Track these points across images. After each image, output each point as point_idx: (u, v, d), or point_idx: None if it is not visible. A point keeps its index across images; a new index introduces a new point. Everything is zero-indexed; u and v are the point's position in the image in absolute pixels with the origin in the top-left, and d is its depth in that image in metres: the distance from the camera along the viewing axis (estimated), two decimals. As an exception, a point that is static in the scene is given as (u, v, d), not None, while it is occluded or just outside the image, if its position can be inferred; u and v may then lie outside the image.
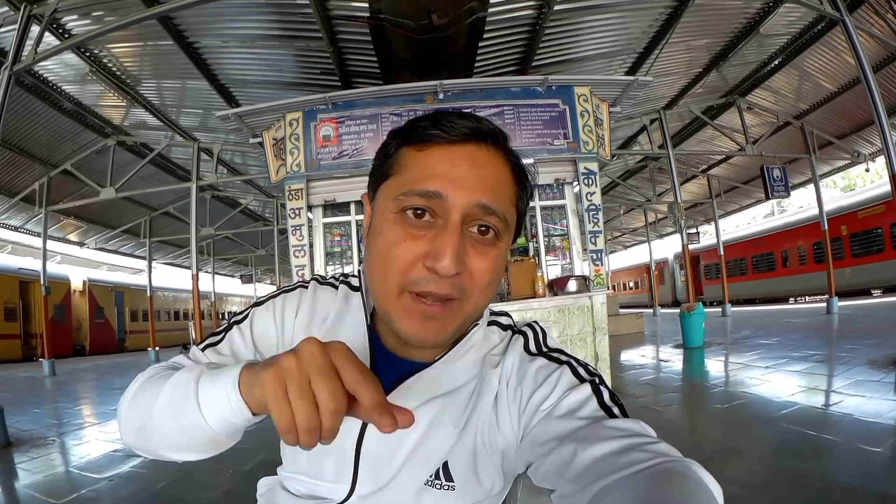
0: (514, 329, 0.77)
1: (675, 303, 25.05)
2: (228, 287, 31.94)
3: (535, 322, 0.77)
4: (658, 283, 26.16)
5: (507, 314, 0.80)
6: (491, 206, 0.61)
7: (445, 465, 0.67)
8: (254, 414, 0.53)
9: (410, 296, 0.62)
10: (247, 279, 24.97)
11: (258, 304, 0.80)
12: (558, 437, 0.56)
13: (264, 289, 31.08)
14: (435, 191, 0.60)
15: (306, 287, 0.81)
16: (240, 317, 0.79)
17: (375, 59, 7.19)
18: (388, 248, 0.62)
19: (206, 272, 20.78)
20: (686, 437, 3.49)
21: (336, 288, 0.81)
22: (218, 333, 0.78)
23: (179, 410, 0.57)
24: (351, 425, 0.69)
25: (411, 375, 0.70)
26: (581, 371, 0.65)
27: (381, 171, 0.69)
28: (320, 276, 0.84)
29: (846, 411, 3.54)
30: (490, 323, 0.77)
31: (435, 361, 0.71)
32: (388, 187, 0.66)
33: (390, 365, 0.72)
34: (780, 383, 4.68)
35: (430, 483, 0.67)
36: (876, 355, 5.36)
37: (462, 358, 0.71)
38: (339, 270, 6.43)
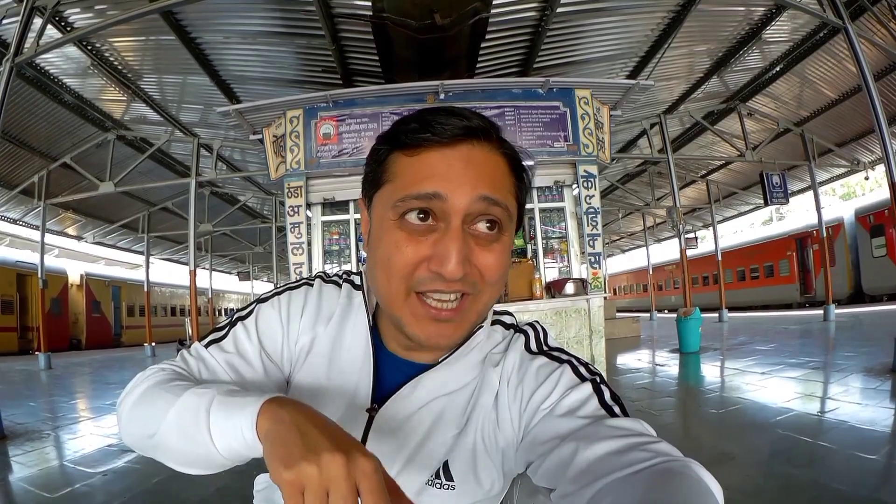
0: (516, 328, 0.77)
1: (859, 296, 16.04)
2: (226, 284, 31.88)
3: (536, 321, 0.76)
4: (820, 265, 15.33)
5: (510, 313, 0.80)
6: (493, 197, 0.60)
7: (446, 464, 0.67)
8: None
9: (418, 298, 0.61)
10: (244, 276, 24.93)
11: (263, 300, 0.78)
12: (559, 436, 0.56)
13: (262, 286, 31.01)
14: (434, 192, 0.59)
15: (311, 285, 0.79)
16: (244, 313, 0.77)
17: (377, 57, 7.19)
18: (390, 252, 0.61)
19: (204, 268, 20.73)
20: (680, 441, 3.49)
21: (340, 286, 0.80)
22: (221, 329, 0.76)
23: (189, 436, 0.55)
24: (355, 426, 0.69)
25: (414, 376, 0.70)
26: (582, 370, 0.65)
27: (373, 178, 0.67)
28: (324, 273, 0.83)
29: (842, 418, 3.54)
30: (493, 322, 0.77)
31: (438, 363, 0.70)
32: (383, 195, 0.64)
33: (393, 366, 0.71)
34: (775, 389, 4.69)
35: (430, 483, 0.67)
36: (872, 363, 5.37)
37: (465, 358, 0.71)
38: (339, 268, 6.44)
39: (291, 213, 6.40)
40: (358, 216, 6.65)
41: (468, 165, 0.60)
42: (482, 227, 0.61)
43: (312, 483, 0.43)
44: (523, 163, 0.68)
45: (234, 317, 0.77)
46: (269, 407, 0.50)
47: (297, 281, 0.81)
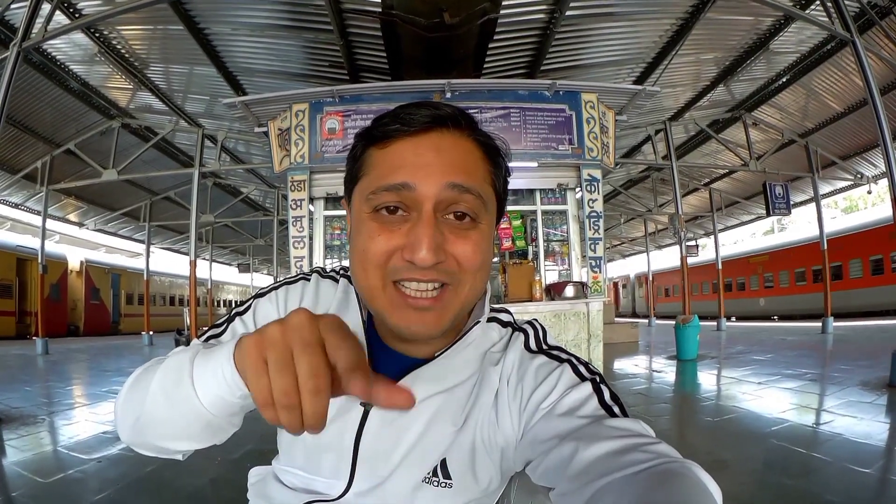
0: (514, 326, 0.76)
1: None
2: (225, 275, 31.88)
3: (535, 320, 0.76)
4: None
5: (507, 311, 0.79)
6: (463, 185, 0.60)
7: (444, 462, 0.67)
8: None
9: (396, 288, 0.61)
10: (244, 268, 24.96)
11: (260, 295, 0.78)
12: (559, 435, 0.56)
13: (261, 279, 31.02)
14: (403, 182, 0.59)
15: (308, 279, 0.80)
16: (242, 308, 0.78)
17: (384, 54, 7.19)
18: (365, 244, 0.61)
19: (204, 259, 20.74)
20: (675, 447, 3.48)
21: (337, 281, 0.80)
22: (219, 325, 0.77)
23: (173, 393, 0.55)
24: (350, 421, 0.69)
25: (411, 370, 0.69)
26: (582, 369, 0.65)
27: (351, 175, 0.68)
28: (322, 268, 0.84)
29: (837, 431, 3.54)
30: (490, 319, 0.76)
31: (434, 357, 0.70)
32: (359, 190, 0.65)
33: (389, 360, 0.70)
34: (771, 400, 4.68)
35: (427, 480, 0.67)
36: (869, 377, 5.36)
37: (461, 353, 0.70)
38: (339, 263, 6.45)
39: (294, 206, 6.40)
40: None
41: (438, 153, 0.61)
42: (455, 216, 0.62)
43: (275, 342, 0.42)
44: (499, 148, 0.68)
45: (233, 312, 0.78)
46: (243, 339, 0.50)
47: (294, 276, 0.82)
